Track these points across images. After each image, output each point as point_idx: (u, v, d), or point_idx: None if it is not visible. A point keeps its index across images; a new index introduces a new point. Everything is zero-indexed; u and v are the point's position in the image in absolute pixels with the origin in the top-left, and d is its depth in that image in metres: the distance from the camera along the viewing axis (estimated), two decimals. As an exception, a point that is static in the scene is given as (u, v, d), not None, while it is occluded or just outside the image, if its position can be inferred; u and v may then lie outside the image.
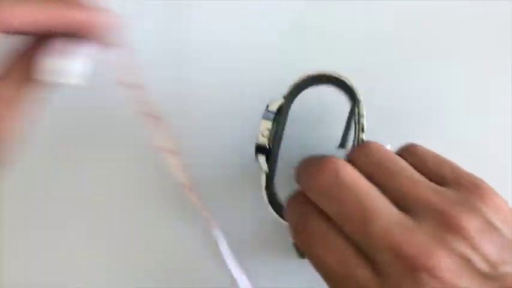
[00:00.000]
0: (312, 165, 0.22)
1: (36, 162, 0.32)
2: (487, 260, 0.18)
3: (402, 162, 0.22)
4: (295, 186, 0.23)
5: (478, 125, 0.33)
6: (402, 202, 0.20)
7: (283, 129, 0.27)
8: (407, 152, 0.23)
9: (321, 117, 0.31)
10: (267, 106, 0.26)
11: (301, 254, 0.26)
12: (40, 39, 0.23)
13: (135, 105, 0.27)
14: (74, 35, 0.22)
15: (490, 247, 0.18)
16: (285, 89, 0.27)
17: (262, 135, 0.25)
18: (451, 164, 0.22)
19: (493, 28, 0.34)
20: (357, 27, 0.35)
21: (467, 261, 0.18)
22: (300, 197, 0.22)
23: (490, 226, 0.19)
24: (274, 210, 0.25)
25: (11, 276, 0.31)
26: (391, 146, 0.23)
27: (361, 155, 0.22)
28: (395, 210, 0.20)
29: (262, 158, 0.25)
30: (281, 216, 0.25)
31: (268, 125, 0.25)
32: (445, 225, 0.19)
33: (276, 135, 0.26)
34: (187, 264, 0.31)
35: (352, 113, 0.26)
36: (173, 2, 0.36)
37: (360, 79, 0.27)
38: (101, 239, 0.31)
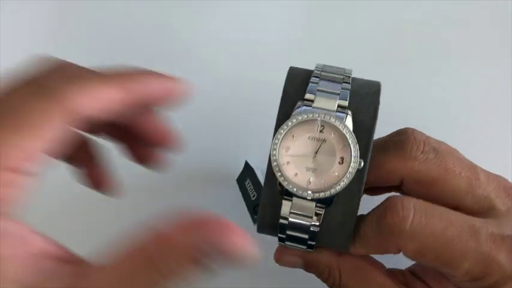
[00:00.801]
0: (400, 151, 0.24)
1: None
2: None
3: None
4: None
5: (477, 124, 0.33)
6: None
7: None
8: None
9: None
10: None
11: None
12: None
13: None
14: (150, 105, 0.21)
15: None
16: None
17: None
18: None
19: (493, 28, 0.35)
20: (359, 27, 0.35)
21: None
22: (404, 197, 0.23)
23: None
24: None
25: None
26: None
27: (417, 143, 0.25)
28: None
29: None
30: None
31: None
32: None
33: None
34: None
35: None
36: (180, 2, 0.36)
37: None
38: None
